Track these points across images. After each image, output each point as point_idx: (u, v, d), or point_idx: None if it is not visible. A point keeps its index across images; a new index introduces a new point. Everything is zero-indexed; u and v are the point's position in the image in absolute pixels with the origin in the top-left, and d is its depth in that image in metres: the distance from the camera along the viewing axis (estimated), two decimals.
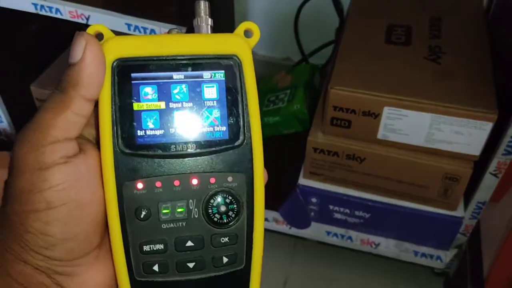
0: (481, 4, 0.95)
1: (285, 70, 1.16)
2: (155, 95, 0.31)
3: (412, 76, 0.79)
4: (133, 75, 0.31)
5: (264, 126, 1.07)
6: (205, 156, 0.31)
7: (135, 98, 0.31)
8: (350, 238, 0.95)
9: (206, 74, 0.31)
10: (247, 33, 0.33)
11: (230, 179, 0.32)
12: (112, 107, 0.30)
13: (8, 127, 1.04)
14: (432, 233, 0.89)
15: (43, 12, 0.79)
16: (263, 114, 1.06)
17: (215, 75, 0.31)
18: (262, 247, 0.33)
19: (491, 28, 0.89)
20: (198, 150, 0.31)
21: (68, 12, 0.77)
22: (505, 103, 0.75)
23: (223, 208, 0.32)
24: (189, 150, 0.31)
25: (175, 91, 0.31)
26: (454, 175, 0.80)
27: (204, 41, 0.32)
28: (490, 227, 0.89)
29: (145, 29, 0.73)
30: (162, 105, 0.31)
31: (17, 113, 1.05)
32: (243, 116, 0.32)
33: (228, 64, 0.32)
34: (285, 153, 1.04)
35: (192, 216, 0.32)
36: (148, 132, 0.31)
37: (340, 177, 0.87)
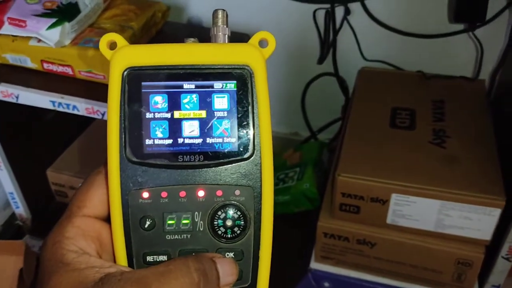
0: (483, 85, 0.98)
1: (294, 147, 1.18)
2: (165, 104, 0.31)
3: (417, 161, 0.81)
4: (143, 83, 0.31)
5: (274, 204, 1.08)
6: (212, 168, 0.31)
7: (144, 106, 0.31)
8: None
9: (217, 84, 0.31)
10: (262, 43, 0.32)
11: (237, 192, 0.31)
12: (121, 115, 0.30)
13: (24, 212, 1.06)
14: None
15: (60, 109, 0.83)
16: None
17: (226, 85, 0.31)
18: (269, 265, 0.32)
19: (493, 110, 0.91)
20: (205, 162, 0.31)
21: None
22: None
23: (229, 222, 0.31)
24: (197, 161, 0.31)
25: (185, 100, 0.31)
26: (466, 260, 0.79)
27: (216, 51, 0.31)
28: None
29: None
30: (171, 114, 0.31)
31: (33, 198, 1.08)
32: (253, 128, 0.31)
33: (240, 74, 0.31)
34: (295, 233, 1.04)
35: (197, 229, 0.31)
36: (156, 142, 0.31)
37: (352, 261, 0.87)
